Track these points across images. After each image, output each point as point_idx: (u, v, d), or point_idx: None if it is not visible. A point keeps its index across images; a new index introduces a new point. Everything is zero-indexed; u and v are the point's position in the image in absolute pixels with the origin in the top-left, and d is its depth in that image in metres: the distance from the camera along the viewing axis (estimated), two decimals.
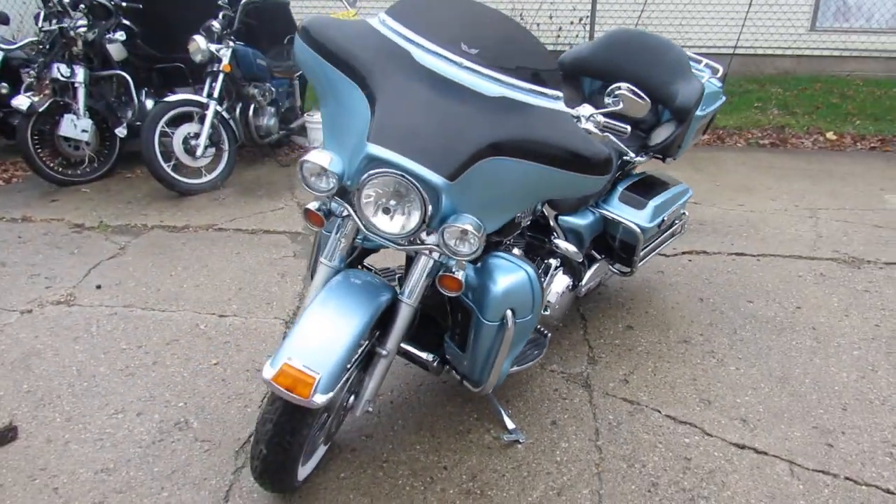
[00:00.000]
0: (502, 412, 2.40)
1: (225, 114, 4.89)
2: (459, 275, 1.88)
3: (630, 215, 2.76)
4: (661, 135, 2.85)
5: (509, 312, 2.01)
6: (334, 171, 1.83)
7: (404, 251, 1.97)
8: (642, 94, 2.11)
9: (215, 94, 4.77)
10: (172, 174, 4.63)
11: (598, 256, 2.89)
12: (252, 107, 5.22)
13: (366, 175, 1.77)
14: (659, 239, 3.04)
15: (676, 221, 3.19)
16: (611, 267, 2.95)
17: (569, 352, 2.85)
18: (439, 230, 1.79)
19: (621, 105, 2.11)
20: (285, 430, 1.81)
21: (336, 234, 2.02)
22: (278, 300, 3.27)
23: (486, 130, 1.78)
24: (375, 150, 1.75)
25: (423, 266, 1.92)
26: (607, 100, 2.13)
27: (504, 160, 1.81)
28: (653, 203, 2.82)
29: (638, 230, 2.73)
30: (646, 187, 2.92)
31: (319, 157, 1.83)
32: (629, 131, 2.16)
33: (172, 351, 2.84)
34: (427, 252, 1.89)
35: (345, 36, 1.93)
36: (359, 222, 1.91)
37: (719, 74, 3.13)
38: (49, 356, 2.79)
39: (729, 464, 2.21)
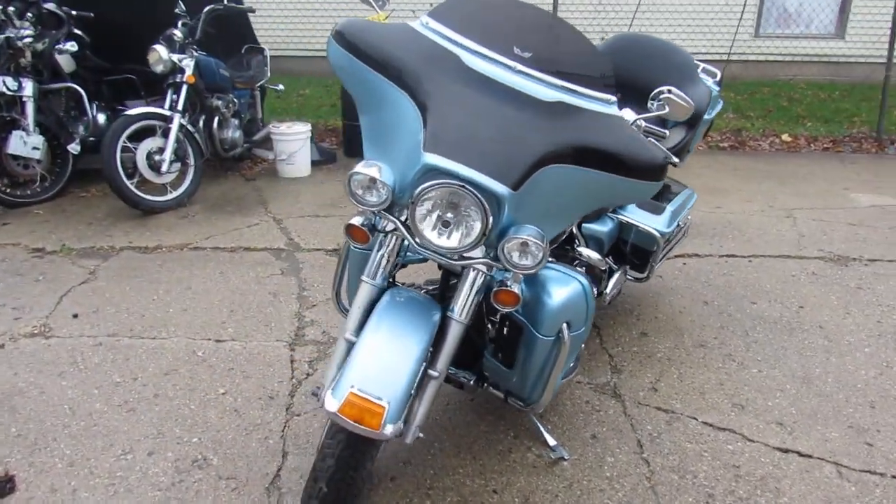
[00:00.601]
0: (541, 428, 2.31)
1: (190, 127, 4.65)
2: (516, 288, 1.78)
3: (650, 221, 2.73)
4: (672, 139, 2.83)
5: (565, 326, 1.93)
6: (387, 182, 1.71)
7: (456, 266, 1.86)
8: (687, 97, 2.07)
9: (179, 107, 4.53)
10: (136, 192, 4.36)
11: (614, 264, 2.85)
12: (216, 119, 4.99)
13: (423, 187, 1.65)
14: (672, 243, 3.03)
15: (681, 225, 3.18)
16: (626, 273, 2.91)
17: (590, 361, 2.79)
18: (500, 243, 1.69)
19: (667, 109, 2.06)
20: (349, 465, 1.68)
21: (379, 250, 1.89)
22: (276, 322, 3.09)
23: (545, 137, 1.70)
24: (434, 159, 1.64)
25: (471, 281, 1.81)
26: (652, 104, 2.09)
27: (564, 168, 1.73)
28: (670, 208, 2.80)
29: (658, 235, 2.70)
30: (659, 192, 2.89)
31: (369, 168, 1.71)
32: (668, 135, 2.13)
33: (173, 381, 2.63)
34: (480, 267, 1.79)
35: (388, 40, 1.82)
36: (409, 238, 1.80)
37: (717, 78, 3.15)
38: (34, 394, 2.54)
39: (778, 469, 2.19)
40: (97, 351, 2.84)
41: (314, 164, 5.46)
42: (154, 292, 3.37)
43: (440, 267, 1.97)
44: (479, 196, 1.63)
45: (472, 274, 1.81)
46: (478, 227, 1.66)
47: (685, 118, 2.10)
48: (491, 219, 1.65)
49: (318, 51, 8.15)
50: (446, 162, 1.63)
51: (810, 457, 2.24)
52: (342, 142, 6.07)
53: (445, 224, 1.71)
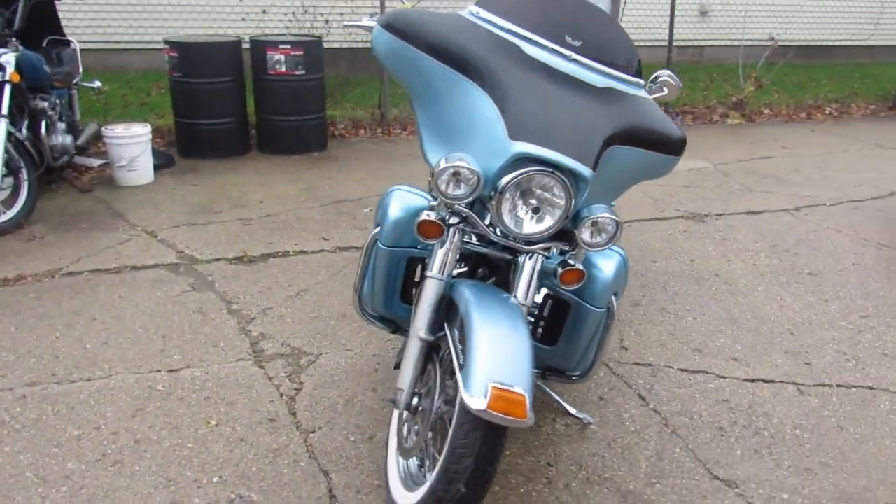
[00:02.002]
0: (560, 400, 2.43)
1: (18, 134, 3.97)
2: (580, 266, 1.88)
3: None
4: None
5: (613, 297, 2.07)
6: (479, 171, 1.70)
7: (527, 252, 1.89)
8: (676, 78, 2.29)
9: (4, 111, 3.85)
10: None
11: None
12: (43, 123, 4.30)
13: (515, 175, 1.68)
14: None
15: None
16: None
17: None
18: (578, 223, 1.77)
19: (665, 91, 2.27)
20: (487, 461, 1.65)
21: (442, 246, 1.86)
22: (223, 341, 2.83)
23: (606, 120, 1.81)
24: (525, 147, 1.67)
25: (532, 266, 1.86)
26: (651, 86, 2.28)
27: (622, 148, 1.86)
28: None
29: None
30: None
31: (459, 160, 1.68)
32: None
33: (147, 422, 2.32)
34: (542, 252, 1.84)
35: (447, 30, 1.79)
36: (485, 228, 1.81)
37: None
38: None
39: (756, 396, 2.55)
40: (25, 405, 2.39)
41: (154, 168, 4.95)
42: (51, 329, 2.88)
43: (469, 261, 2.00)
44: (566, 180, 1.69)
45: (533, 259, 1.86)
46: (559, 211, 1.73)
47: (674, 98, 2.33)
48: (574, 201, 1.73)
49: (117, 43, 7.29)
50: (537, 149, 1.67)
51: (773, 381, 2.64)
52: (174, 142, 5.56)
53: (536, 210, 1.75)
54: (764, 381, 2.64)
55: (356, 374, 2.63)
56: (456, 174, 1.70)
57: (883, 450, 2.27)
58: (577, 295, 2.04)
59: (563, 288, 1.90)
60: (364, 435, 2.29)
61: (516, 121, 1.71)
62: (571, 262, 1.87)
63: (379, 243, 2.11)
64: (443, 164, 1.68)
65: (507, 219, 1.74)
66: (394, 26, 1.80)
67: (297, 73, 5.41)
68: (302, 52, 5.38)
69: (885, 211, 4.55)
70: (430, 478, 1.73)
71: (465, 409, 1.63)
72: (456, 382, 1.82)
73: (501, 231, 1.80)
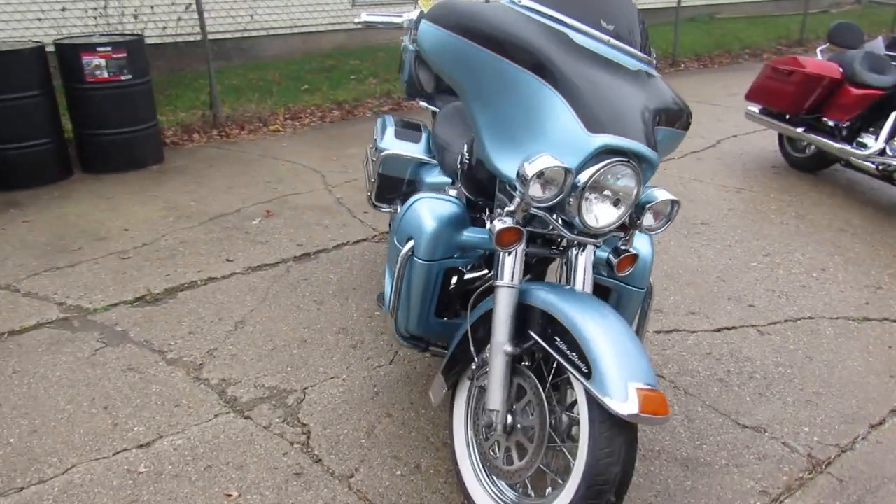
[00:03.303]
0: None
1: None
2: (633, 250, 1.89)
3: None
4: None
5: (651, 277, 2.10)
6: (572, 169, 1.62)
7: (586, 244, 1.85)
8: None
9: None
10: None
11: None
12: None
13: (598, 169, 1.63)
14: None
15: None
16: None
17: None
18: (643, 209, 1.78)
19: None
20: (631, 464, 1.60)
21: (518, 250, 1.75)
22: (184, 396, 2.44)
23: (649, 103, 1.82)
24: (606, 139, 1.63)
25: (587, 258, 1.85)
26: None
27: (660, 129, 1.88)
28: None
29: None
30: None
31: (550, 160, 1.58)
32: None
33: None
34: (597, 242, 1.82)
35: (502, 22, 1.67)
36: (561, 228, 1.75)
37: None
38: None
39: (731, 343, 2.75)
40: None
41: None
42: None
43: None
44: (639, 167, 1.68)
45: (587, 251, 1.84)
46: (632, 199, 1.72)
47: None
48: (641, 187, 1.72)
49: None
50: (619, 139, 1.64)
51: (735, 328, 2.87)
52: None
53: (616, 202, 1.71)
54: (727, 328, 2.86)
55: (358, 401, 2.41)
56: (539, 175, 1.60)
57: (852, 371, 2.57)
58: (618, 279, 2.04)
59: (619, 274, 1.89)
60: (408, 466, 2.11)
61: (589, 113, 1.64)
62: (625, 247, 1.86)
63: (415, 258, 1.94)
64: (534, 168, 1.57)
65: (586, 214, 1.67)
66: (447, 20, 1.63)
67: (122, 78, 4.74)
68: (125, 54, 4.72)
69: (722, 158, 5.12)
70: (559, 496, 1.64)
71: (600, 417, 1.56)
72: (556, 392, 1.75)
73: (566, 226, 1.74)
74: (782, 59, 4.68)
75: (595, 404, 1.56)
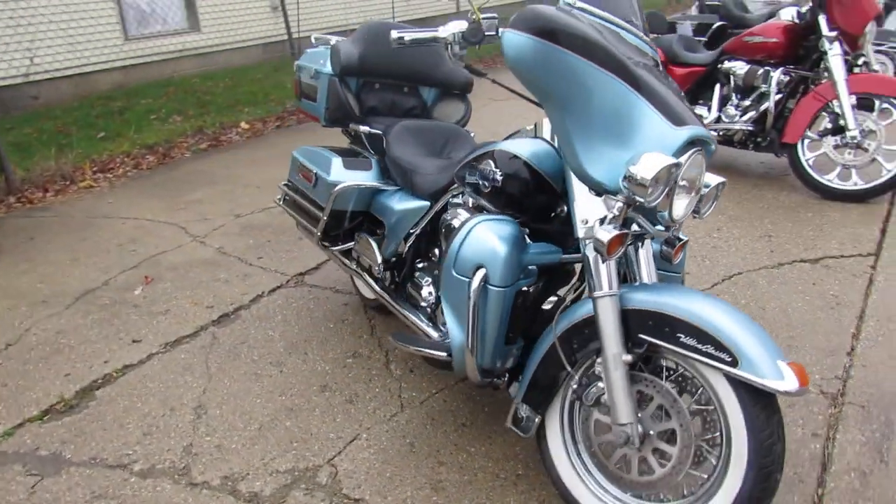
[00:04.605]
0: None
1: None
2: (684, 236, 1.97)
3: None
4: (460, 110, 2.99)
5: None
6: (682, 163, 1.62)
7: (663, 237, 1.87)
8: None
9: None
10: None
11: None
12: None
13: (687, 159, 1.66)
14: None
15: None
16: None
17: None
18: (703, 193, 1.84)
19: None
20: (784, 437, 1.62)
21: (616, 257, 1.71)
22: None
23: (677, 90, 1.90)
24: (691, 130, 1.67)
25: (648, 250, 1.88)
26: None
27: None
28: None
29: None
30: None
31: (659, 158, 1.57)
32: None
33: None
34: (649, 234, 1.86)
35: (581, 26, 1.62)
36: (648, 225, 1.75)
37: None
38: None
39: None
40: None
41: None
42: None
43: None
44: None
45: (647, 244, 1.87)
46: (701, 184, 1.77)
47: None
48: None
49: None
50: (698, 129, 1.68)
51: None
52: None
53: (698, 192, 1.74)
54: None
55: (399, 458, 2.18)
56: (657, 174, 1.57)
57: (802, 311, 2.88)
58: (664, 268, 2.08)
59: (675, 262, 1.93)
60: None
61: (667, 108, 1.66)
62: (677, 235, 1.91)
63: (490, 286, 1.81)
64: (653, 168, 1.54)
65: (677, 206, 1.69)
66: (534, 27, 1.53)
67: None
68: None
69: None
70: (720, 490, 1.63)
71: (753, 401, 1.58)
72: (686, 385, 1.73)
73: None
74: None
75: (744, 389, 1.57)
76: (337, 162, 2.62)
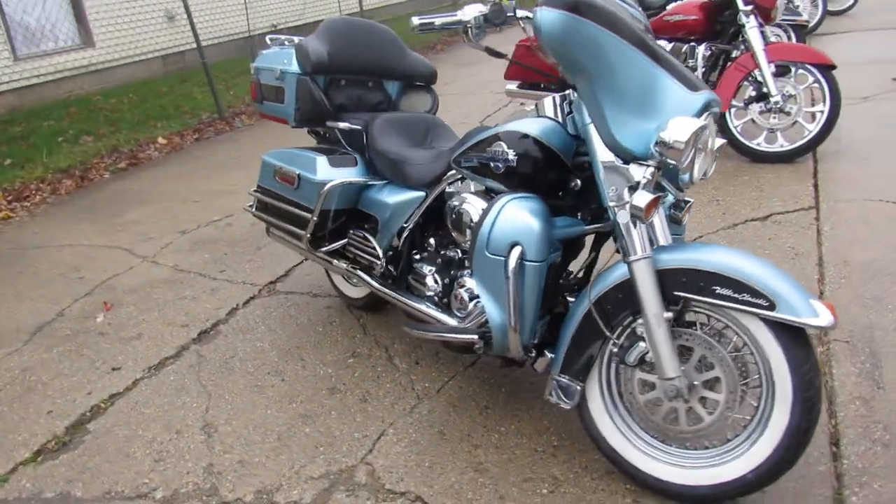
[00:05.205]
0: None
1: None
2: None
3: None
4: (427, 101, 3.01)
5: None
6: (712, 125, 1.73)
7: (679, 199, 1.97)
8: None
9: None
10: None
11: None
12: None
13: (705, 120, 1.76)
14: None
15: None
16: None
17: None
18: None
19: None
20: (819, 372, 1.75)
21: (636, 226, 1.80)
22: None
23: None
24: (706, 94, 1.78)
25: (662, 213, 1.98)
26: None
27: None
28: None
29: None
30: None
31: (689, 121, 1.66)
32: None
33: None
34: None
35: (605, 1, 1.68)
36: (670, 188, 1.86)
37: None
38: None
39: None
40: None
41: None
42: None
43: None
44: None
45: (660, 206, 1.98)
46: (713, 145, 1.89)
47: None
48: None
49: None
50: (711, 94, 1.80)
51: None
52: None
53: (712, 153, 1.85)
54: None
55: (434, 447, 2.18)
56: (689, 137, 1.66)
57: (791, 264, 3.07)
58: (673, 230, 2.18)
59: (683, 222, 2.05)
60: (546, 482, 2.00)
61: (681, 76, 1.76)
62: (685, 198, 2.02)
63: (527, 262, 1.85)
64: (686, 131, 1.62)
65: (697, 167, 1.79)
66: (569, 3, 1.58)
67: None
68: None
69: None
70: (766, 429, 1.73)
71: (791, 340, 1.68)
72: (717, 336, 1.83)
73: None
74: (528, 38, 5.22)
75: (782, 330, 1.68)
76: (322, 161, 2.58)
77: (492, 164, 2.03)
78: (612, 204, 1.78)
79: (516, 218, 1.86)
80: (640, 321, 1.81)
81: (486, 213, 1.93)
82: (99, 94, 7.61)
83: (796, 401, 1.68)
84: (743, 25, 4.13)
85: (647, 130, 1.70)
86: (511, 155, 1.98)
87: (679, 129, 1.63)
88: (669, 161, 1.67)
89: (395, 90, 2.97)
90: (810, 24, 7.35)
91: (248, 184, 4.93)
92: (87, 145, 6.10)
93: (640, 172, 1.74)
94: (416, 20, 1.79)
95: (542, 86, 5.23)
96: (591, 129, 1.79)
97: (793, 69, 4.16)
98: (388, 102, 2.95)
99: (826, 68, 4.03)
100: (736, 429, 1.82)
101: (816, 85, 4.10)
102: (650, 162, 1.71)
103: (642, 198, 1.68)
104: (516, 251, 1.84)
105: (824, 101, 4.07)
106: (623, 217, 1.77)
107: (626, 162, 1.76)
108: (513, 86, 5.46)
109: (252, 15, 9.67)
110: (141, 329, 3.10)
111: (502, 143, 2.00)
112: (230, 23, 9.43)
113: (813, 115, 4.14)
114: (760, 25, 4.17)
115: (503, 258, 1.87)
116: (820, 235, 3.25)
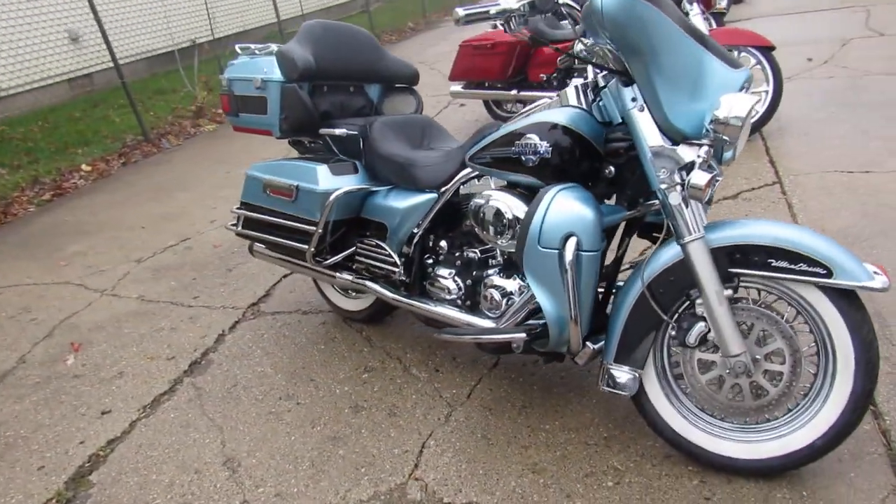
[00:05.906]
0: None
1: None
2: None
3: None
4: (411, 103, 2.93)
5: None
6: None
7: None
8: None
9: None
10: None
11: None
12: None
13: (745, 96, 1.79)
14: None
15: None
16: None
17: None
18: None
19: None
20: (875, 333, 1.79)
21: (687, 206, 1.80)
22: None
23: None
24: (746, 72, 1.81)
25: None
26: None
27: None
28: None
29: None
30: None
31: (743, 97, 1.68)
32: None
33: None
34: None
35: None
36: (713, 162, 1.87)
37: None
38: None
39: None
40: None
41: None
42: None
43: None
44: None
45: None
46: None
47: None
48: None
49: None
50: (748, 71, 1.82)
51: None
52: None
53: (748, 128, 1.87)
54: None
55: (482, 454, 2.11)
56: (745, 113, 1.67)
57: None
58: None
59: (712, 200, 2.07)
60: (608, 475, 1.97)
61: (722, 55, 1.77)
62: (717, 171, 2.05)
63: (583, 253, 1.82)
64: (744, 107, 1.63)
65: (741, 142, 1.81)
66: None
67: None
68: None
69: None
70: (832, 392, 1.75)
71: (849, 305, 1.71)
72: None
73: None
74: (476, 38, 5.22)
75: (839, 296, 1.71)
76: (323, 170, 2.46)
77: (522, 158, 1.98)
78: (663, 186, 1.77)
79: (569, 208, 1.82)
80: (699, 301, 1.81)
81: (534, 207, 1.88)
82: (4, 125, 7.06)
83: (858, 364, 1.72)
84: (687, 14, 4.26)
85: (699, 110, 1.69)
86: (544, 147, 1.94)
87: (736, 105, 1.64)
88: (724, 138, 1.67)
89: (376, 93, 2.88)
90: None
91: (195, 205, 4.70)
92: (4, 178, 5.64)
93: (691, 153, 1.73)
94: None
95: (487, 84, 5.26)
96: (634, 113, 1.77)
97: (736, 53, 4.33)
98: (371, 106, 2.86)
99: (767, 49, 4.22)
100: (797, 398, 1.85)
101: (759, 66, 4.27)
102: (704, 141, 1.71)
103: (701, 177, 1.67)
104: (572, 242, 1.80)
105: (767, 82, 4.25)
106: (675, 199, 1.75)
107: (675, 143, 1.75)
108: (458, 87, 5.45)
109: (161, 30, 9.26)
110: (121, 367, 2.86)
111: (533, 136, 1.96)
112: (139, 41, 8.98)
113: (758, 96, 4.32)
114: (703, 12, 4.32)
115: (557, 251, 1.82)
116: (791, 208, 3.37)
